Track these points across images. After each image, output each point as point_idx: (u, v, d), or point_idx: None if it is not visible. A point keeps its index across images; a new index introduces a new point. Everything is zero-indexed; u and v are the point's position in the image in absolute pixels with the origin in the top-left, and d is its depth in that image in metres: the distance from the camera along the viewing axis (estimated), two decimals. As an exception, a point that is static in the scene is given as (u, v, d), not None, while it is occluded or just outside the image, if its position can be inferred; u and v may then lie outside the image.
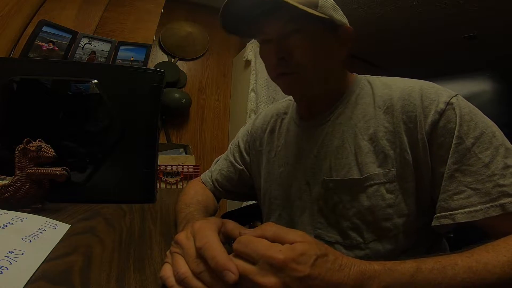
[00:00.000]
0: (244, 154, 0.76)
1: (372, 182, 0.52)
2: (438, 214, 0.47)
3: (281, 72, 0.55)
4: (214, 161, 0.83)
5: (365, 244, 0.53)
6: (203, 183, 0.79)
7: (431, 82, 0.53)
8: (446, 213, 0.46)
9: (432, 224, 0.48)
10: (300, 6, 0.48)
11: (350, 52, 0.60)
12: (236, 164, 0.77)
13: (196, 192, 0.72)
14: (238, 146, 0.78)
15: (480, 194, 0.43)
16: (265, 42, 0.56)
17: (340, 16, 0.55)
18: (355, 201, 0.53)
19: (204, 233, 0.33)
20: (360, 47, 3.11)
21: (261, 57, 0.59)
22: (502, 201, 0.42)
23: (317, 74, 0.55)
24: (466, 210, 0.44)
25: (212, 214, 0.68)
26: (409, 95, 0.52)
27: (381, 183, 0.52)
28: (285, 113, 0.71)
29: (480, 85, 0.78)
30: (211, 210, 0.68)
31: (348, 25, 0.56)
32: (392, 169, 0.51)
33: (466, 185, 0.45)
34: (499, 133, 0.47)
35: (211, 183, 0.78)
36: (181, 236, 0.36)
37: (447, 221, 0.45)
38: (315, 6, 0.50)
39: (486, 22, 2.53)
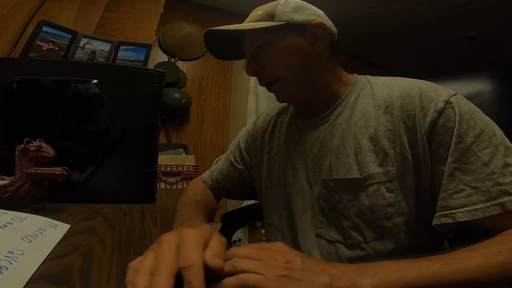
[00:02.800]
0: (244, 154, 0.77)
1: (372, 181, 0.52)
2: (439, 213, 0.47)
3: (264, 84, 0.62)
4: (215, 161, 0.83)
5: (366, 243, 0.53)
6: (203, 182, 0.80)
7: (430, 82, 0.54)
8: (447, 212, 0.46)
9: (433, 223, 0.48)
10: (248, 27, 0.55)
11: (336, 47, 0.61)
12: (236, 164, 0.77)
13: (196, 192, 0.72)
14: (239, 146, 0.78)
15: (480, 192, 0.43)
16: (247, 58, 0.63)
17: (304, 15, 0.57)
18: (355, 200, 0.53)
19: (189, 253, 0.31)
20: (360, 47, 3.11)
21: None
22: (502, 200, 0.42)
23: (296, 75, 0.58)
24: (466, 209, 0.44)
25: (211, 214, 0.69)
26: (408, 94, 0.52)
27: (381, 182, 0.51)
28: (286, 113, 0.71)
29: (480, 85, 0.78)
30: (210, 209, 0.68)
31: (318, 20, 0.57)
32: (392, 168, 0.51)
33: (466, 184, 0.45)
34: (498, 132, 0.47)
35: (211, 183, 0.78)
36: (166, 238, 0.34)
37: (448, 220, 0.45)
38: (272, 17, 0.56)
39: (486, 22, 2.53)
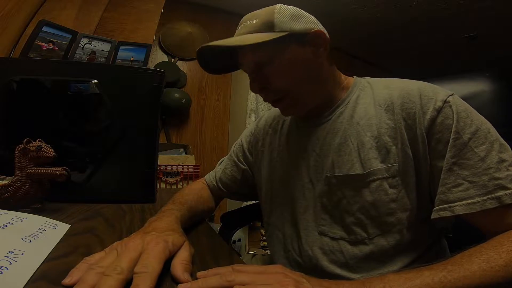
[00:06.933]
0: (247, 153, 0.78)
1: (374, 177, 0.53)
2: (437, 207, 0.48)
3: (271, 101, 0.60)
4: (219, 162, 0.84)
5: (370, 239, 0.54)
6: (206, 183, 0.80)
7: (428, 83, 0.55)
8: (445, 205, 0.47)
9: (432, 217, 0.49)
10: (251, 41, 0.51)
11: (331, 51, 0.60)
12: (240, 163, 0.78)
13: (191, 191, 0.73)
14: (242, 146, 0.80)
15: (477, 186, 0.45)
16: (248, 73, 0.60)
17: (303, 23, 0.55)
18: (358, 196, 0.54)
19: (148, 261, 0.33)
20: (360, 47, 3.11)
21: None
22: (498, 194, 0.43)
23: (304, 89, 0.57)
24: (464, 202, 0.45)
25: (202, 214, 0.69)
26: (408, 94, 0.54)
27: (384, 178, 0.53)
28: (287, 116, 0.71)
29: (480, 85, 0.79)
30: (199, 210, 0.67)
31: (317, 28, 0.56)
32: (394, 164, 0.52)
33: (463, 178, 0.46)
34: (493, 130, 0.48)
35: (215, 183, 0.79)
36: (132, 244, 0.35)
37: (446, 213, 0.47)
38: (272, 27, 0.53)
39: (486, 22, 2.53)
